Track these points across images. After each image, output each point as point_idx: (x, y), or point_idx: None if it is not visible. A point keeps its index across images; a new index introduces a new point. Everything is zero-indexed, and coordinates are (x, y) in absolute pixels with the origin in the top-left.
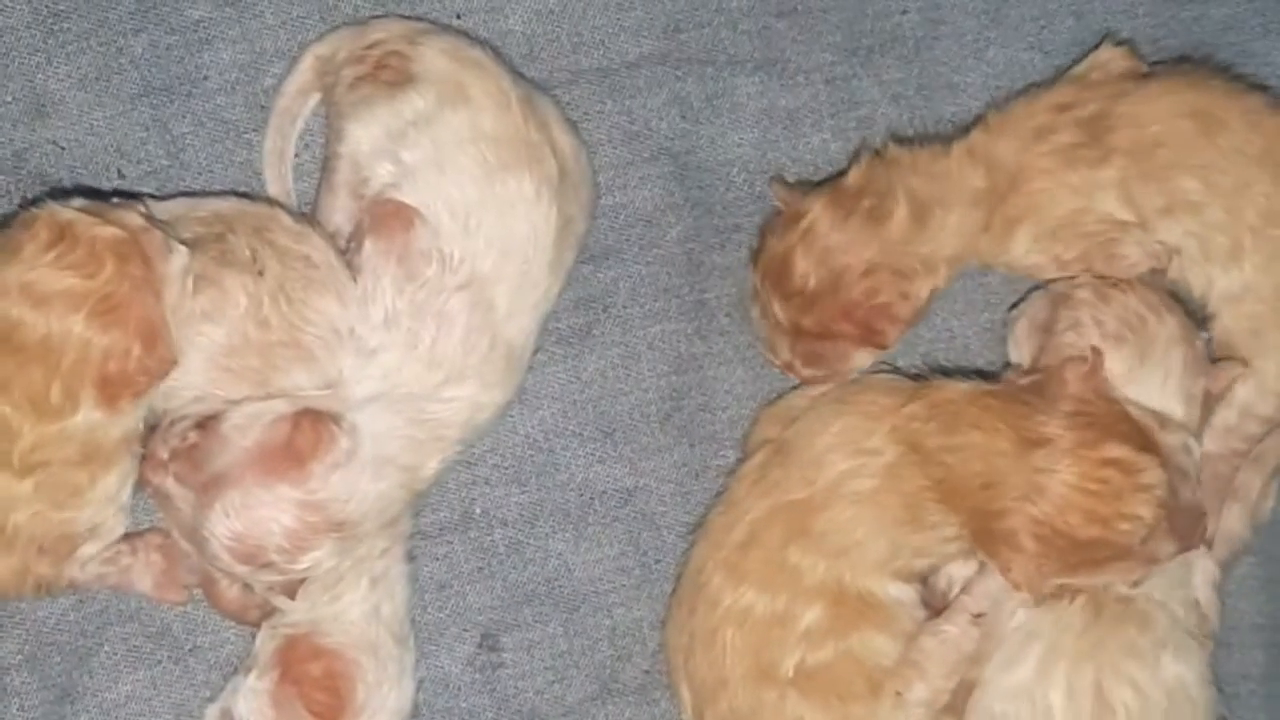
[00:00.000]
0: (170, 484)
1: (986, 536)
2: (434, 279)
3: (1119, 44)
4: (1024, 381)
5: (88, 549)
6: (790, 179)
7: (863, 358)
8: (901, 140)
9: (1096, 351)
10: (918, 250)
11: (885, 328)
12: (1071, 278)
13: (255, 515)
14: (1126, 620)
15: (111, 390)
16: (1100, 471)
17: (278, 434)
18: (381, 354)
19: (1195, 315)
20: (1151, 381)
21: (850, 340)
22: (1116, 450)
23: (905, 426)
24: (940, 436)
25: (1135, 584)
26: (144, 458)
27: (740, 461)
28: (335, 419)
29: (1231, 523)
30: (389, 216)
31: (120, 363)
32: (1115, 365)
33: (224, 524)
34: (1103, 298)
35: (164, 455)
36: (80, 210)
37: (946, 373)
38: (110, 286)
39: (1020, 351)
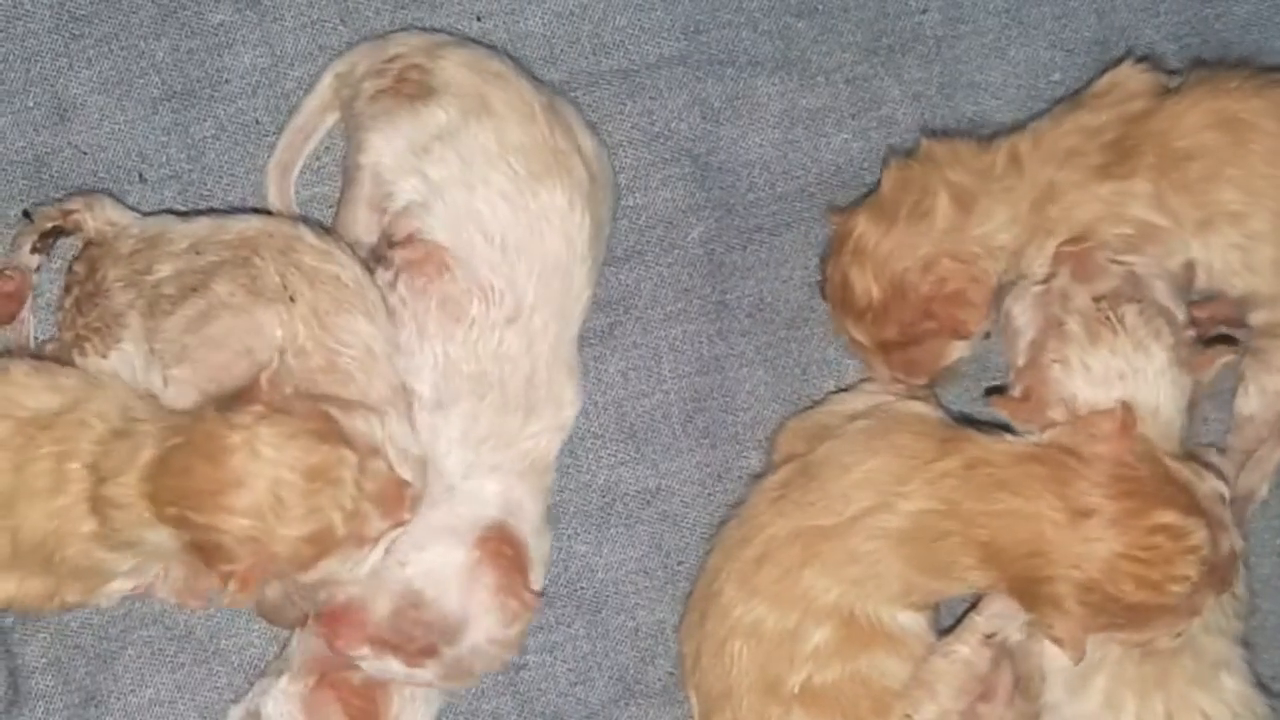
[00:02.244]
0: (403, 667)
1: (1030, 597)
2: (480, 317)
3: (1139, 60)
4: (1047, 436)
5: (118, 585)
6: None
7: (957, 349)
8: (934, 135)
9: (1127, 408)
10: (971, 234)
11: (965, 314)
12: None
13: (506, 659)
14: (1180, 648)
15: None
16: (1149, 539)
17: (483, 586)
18: (451, 407)
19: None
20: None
21: (938, 336)
22: (1165, 517)
23: (938, 482)
24: (978, 501)
25: (1178, 635)
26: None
27: (764, 472)
28: (507, 532)
29: (1272, 460)
30: (421, 262)
31: (219, 572)
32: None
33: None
34: (1092, 337)
35: (384, 655)
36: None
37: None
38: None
39: (1013, 348)
